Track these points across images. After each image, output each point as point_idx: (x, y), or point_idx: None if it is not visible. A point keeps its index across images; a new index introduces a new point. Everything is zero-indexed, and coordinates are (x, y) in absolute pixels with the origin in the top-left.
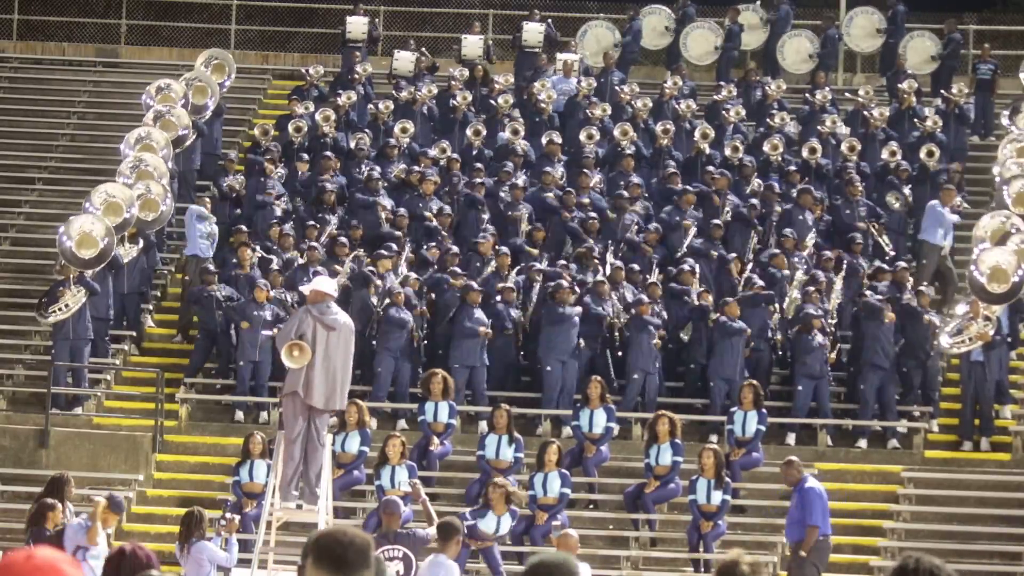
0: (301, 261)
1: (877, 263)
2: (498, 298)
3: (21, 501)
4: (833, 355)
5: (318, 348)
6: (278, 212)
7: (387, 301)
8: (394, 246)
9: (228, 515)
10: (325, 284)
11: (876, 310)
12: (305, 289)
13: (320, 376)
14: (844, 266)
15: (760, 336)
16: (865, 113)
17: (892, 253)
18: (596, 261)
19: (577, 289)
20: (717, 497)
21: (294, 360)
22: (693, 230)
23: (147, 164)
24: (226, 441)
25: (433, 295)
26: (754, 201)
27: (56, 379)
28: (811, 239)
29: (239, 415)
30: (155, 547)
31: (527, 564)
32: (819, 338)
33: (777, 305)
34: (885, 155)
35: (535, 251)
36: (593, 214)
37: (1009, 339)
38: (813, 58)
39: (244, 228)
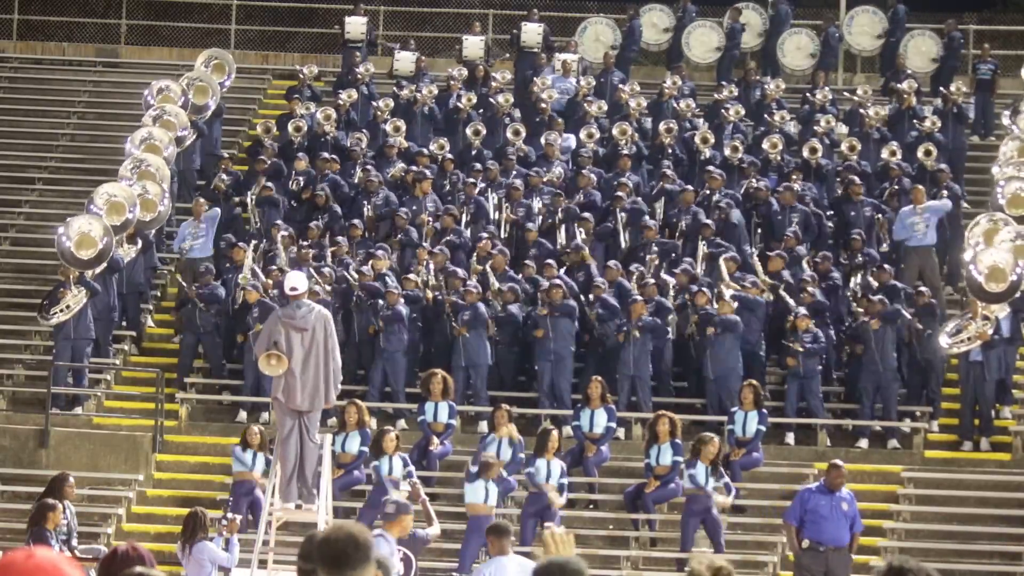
0: (294, 258)
1: (880, 265)
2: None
3: (21, 501)
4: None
5: (294, 353)
6: (275, 212)
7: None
8: (391, 247)
9: (229, 515)
10: (291, 282)
11: (865, 328)
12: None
13: (300, 380)
14: (849, 265)
15: (755, 336)
16: (861, 111)
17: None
18: (590, 261)
19: (575, 288)
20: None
21: (272, 369)
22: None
23: (148, 164)
24: (226, 441)
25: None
26: (749, 203)
27: (57, 379)
28: (792, 233)
29: (242, 415)
30: (155, 547)
31: (536, 565)
32: (805, 337)
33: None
34: (885, 154)
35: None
36: (587, 214)
37: (1008, 338)
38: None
39: (233, 233)
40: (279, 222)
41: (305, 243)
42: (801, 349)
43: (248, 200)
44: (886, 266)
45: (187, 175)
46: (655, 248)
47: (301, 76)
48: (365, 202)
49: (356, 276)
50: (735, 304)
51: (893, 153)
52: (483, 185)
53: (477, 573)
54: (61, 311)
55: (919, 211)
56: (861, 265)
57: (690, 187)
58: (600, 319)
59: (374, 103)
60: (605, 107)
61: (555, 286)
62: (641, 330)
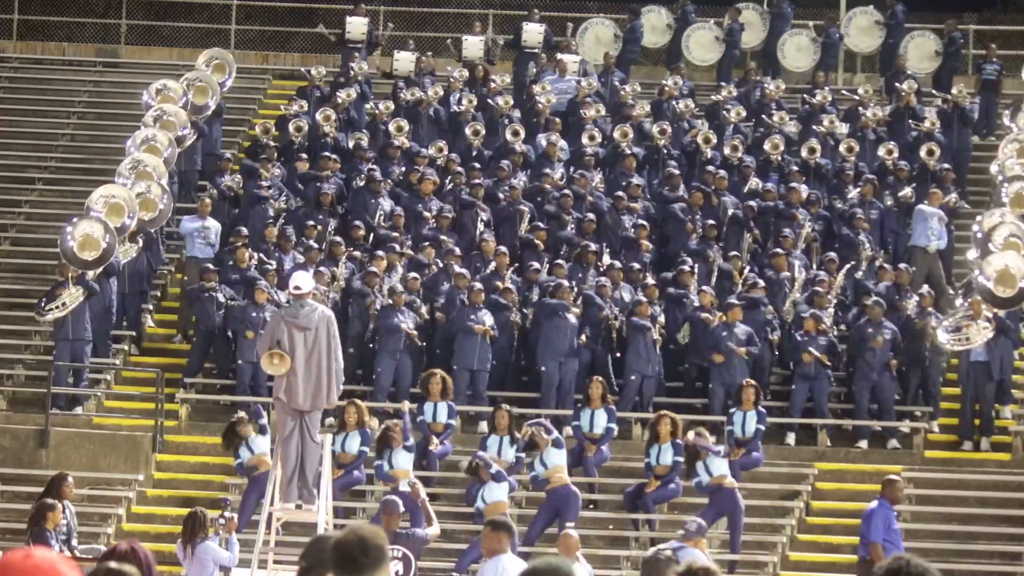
0: (300, 260)
1: (880, 263)
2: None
3: (21, 501)
4: (820, 355)
5: (296, 352)
6: (272, 212)
7: (388, 302)
8: (396, 247)
9: (227, 514)
10: (296, 281)
11: (865, 340)
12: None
13: (303, 379)
14: (846, 266)
15: (759, 336)
16: (860, 109)
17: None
18: (595, 259)
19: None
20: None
21: (274, 368)
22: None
23: (146, 165)
24: None
25: (439, 298)
26: (751, 203)
27: (58, 379)
28: (808, 234)
29: (242, 415)
30: (155, 547)
31: (524, 569)
32: (818, 339)
33: (771, 306)
34: (882, 153)
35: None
36: (591, 215)
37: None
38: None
39: (242, 230)
40: (274, 223)
41: (309, 243)
42: (828, 364)
43: (244, 201)
44: (888, 266)
45: (188, 175)
46: (647, 254)
47: (310, 77)
48: (371, 202)
49: (366, 278)
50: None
51: (890, 152)
52: (486, 185)
53: (480, 572)
54: (57, 308)
55: (938, 218)
56: (871, 257)
57: (696, 187)
58: (606, 318)
59: (371, 103)
60: (603, 110)
61: (559, 286)
62: (643, 330)
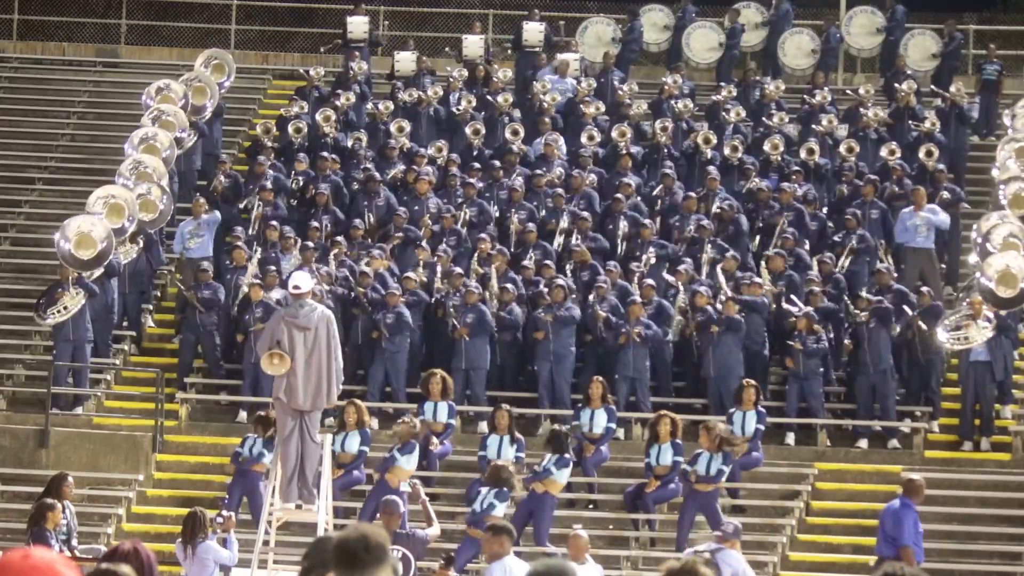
0: (298, 261)
1: (881, 266)
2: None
3: (21, 501)
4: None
5: (296, 352)
6: (270, 213)
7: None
8: (387, 248)
9: (225, 513)
10: (295, 281)
11: (859, 328)
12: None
13: (302, 379)
14: (818, 255)
15: (759, 337)
16: (861, 110)
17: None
18: (589, 260)
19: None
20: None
21: (274, 368)
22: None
23: (146, 166)
24: (226, 441)
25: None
26: (729, 203)
27: (57, 379)
28: (790, 234)
29: (242, 415)
30: (155, 547)
31: (530, 568)
32: (808, 339)
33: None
34: (884, 153)
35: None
36: (585, 213)
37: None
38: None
39: (238, 229)
40: (274, 223)
41: (308, 243)
42: (800, 347)
43: (251, 204)
44: (887, 268)
45: (188, 175)
46: (651, 249)
47: (308, 77)
48: (366, 203)
49: (357, 277)
50: (738, 306)
51: (892, 152)
52: (484, 185)
53: (486, 573)
54: (58, 312)
55: (921, 215)
56: (855, 250)
57: (693, 194)
58: (608, 325)
59: (371, 103)
60: (603, 108)
61: (556, 287)
62: (642, 339)
